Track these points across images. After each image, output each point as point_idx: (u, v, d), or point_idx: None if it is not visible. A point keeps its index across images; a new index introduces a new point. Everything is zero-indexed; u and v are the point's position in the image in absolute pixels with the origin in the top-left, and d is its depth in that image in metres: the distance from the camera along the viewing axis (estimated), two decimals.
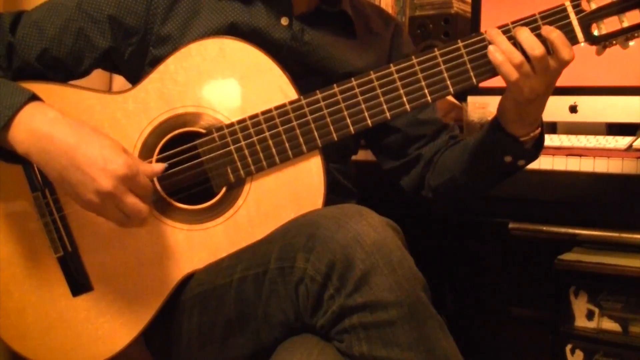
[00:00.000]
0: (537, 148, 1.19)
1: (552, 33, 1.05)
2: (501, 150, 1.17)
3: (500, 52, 1.06)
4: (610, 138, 1.51)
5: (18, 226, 1.14)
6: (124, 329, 1.12)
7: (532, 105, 1.11)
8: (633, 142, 1.46)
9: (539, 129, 1.17)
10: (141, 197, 1.03)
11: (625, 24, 1.07)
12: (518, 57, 1.05)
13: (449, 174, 1.27)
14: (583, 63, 1.62)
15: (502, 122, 1.15)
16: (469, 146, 1.24)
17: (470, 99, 1.69)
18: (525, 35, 1.05)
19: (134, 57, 1.19)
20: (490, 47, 1.07)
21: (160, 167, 1.09)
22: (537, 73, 1.06)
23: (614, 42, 1.09)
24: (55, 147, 1.02)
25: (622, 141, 1.47)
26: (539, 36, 1.06)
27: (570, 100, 1.64)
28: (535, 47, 1.04)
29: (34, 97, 1.06)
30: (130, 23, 1.17)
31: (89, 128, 1.05)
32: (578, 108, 1.64)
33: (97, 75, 1.29)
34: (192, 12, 1.18)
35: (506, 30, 1.08)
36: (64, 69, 1.18)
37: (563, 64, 1.06)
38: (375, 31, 1.35)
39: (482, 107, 1.62)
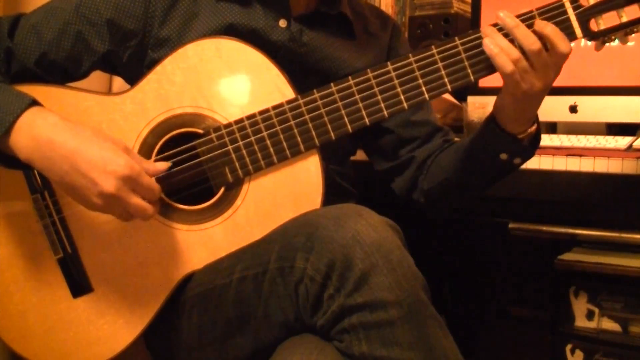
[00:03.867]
0: (533, 145, 1.18)
1: (547, 27, 1.05)
2: (497, 147, 1.15)
3: (495, 44, 1.05)
4: (610, 138, 1.51)
5: (18, 228, 1.15)
6: (124, 330, 1.12)
7: (530, 102, 1.10)
8: (633, 142, 1.46)
9: (535, 125, 1.16)
10: (146, 197, 1.03)
11: (624, 19, 1.06)
12: (515, 52, 1.04)
13: (442, 175, 1.26)
14: (583, 63, 1.62)
15: (499, 120, 1.14)
16: (463, 145, 1.23)
17: (470, 99, 1.69)
18: (521, 31, 1.05)
19: (133, 60, 1.19)
20: (486, 40, 1.06)
21: (163, 165, 1.09)
22: (535, 69, 1.05)
23: (613, 37, 1.08)
24: (56, 153, 1.01)
25: (622, 141, 1.47)
26: (535, 32, 1.05)
27: (570, 100, 1.64)
28: (532, 42, 1.04)
29: (34, 103, 1.06)
30: (128, 26, 1.17)
31: (89, 131, 1.04)
32: (578, 108, 1.64)
33: (97, 76, 1.29)
34: (190, 15, 1.18)
35: (501, 28, 1.08)
36: (63, 72, 1.18)
37: (561, 57, 1.05)
38: (374, 32, 1.35)
39: (482, 107, 1.62)
